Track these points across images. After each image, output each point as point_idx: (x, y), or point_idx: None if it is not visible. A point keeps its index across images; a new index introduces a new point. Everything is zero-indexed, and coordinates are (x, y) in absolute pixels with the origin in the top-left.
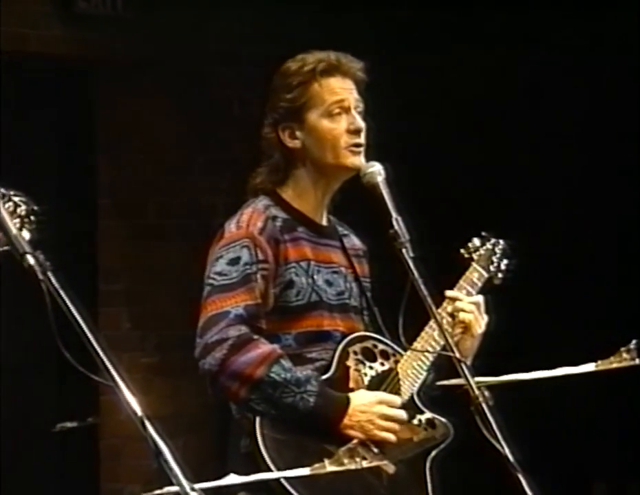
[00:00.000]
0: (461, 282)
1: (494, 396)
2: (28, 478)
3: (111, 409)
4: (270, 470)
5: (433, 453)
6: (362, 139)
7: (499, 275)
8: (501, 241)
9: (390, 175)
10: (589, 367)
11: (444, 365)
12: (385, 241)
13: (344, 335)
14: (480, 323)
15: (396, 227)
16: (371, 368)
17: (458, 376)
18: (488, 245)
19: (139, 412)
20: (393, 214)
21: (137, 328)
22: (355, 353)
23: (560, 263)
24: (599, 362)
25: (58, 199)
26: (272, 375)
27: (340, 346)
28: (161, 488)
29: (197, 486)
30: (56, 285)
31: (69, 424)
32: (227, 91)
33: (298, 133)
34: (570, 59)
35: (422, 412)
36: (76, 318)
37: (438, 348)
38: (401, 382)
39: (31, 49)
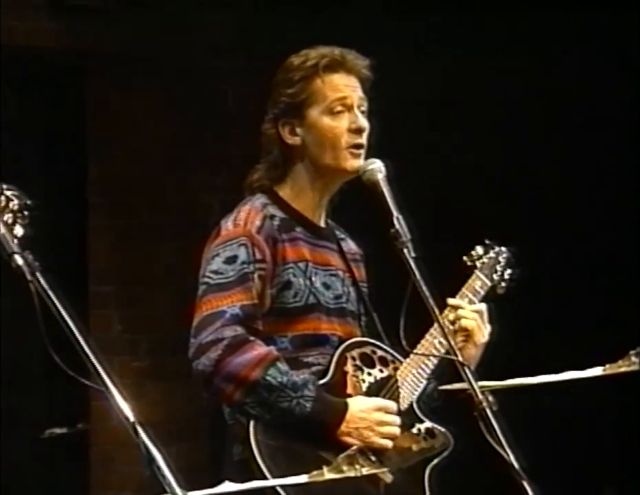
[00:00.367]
0: (463, 289)
1: (498, 401)
2: (16, 486)
3: (102, 415)
4: (264, 477)
5: (433, 463)
6: (363, 139)
7: (503, 284)
8: (505, 250)
9: (391, 172)
10: (596, 371)
11: (445, 374)
12: (384, 243)
13: (341, 340)
14: (483, 332)
15: (397, 226)
16: (369, 374)
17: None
18: (492, 254)
19: (131, 418)
20: (394, 213)
21: (129, 331)
22: (353, 358)
23: (566, 265)
24: (607, 366)
25: (46, 196)
26: (268, 377)
27: (338, 351)
28: None
29: (190, 494)
30: (45, 286)
31: (58, 430)
32: (221, 85)
33: (298, 130)
34: (580, 62)
35: (421, 421)
36: (66, 320)
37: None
38: (400, 390)
39: (19, 42)
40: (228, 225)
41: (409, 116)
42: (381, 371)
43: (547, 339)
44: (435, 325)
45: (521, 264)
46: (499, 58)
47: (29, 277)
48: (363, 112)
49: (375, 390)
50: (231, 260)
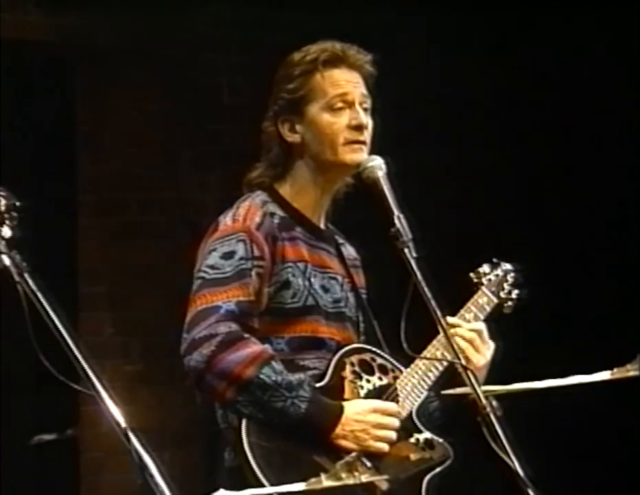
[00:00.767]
0: (469, 304)
1: (503, 406)
2: (3, 494)
3: (93, 420)
4: (257, 479)
5: (430, 475)
6: (364, 136)
7: (510, 303)
8: (512, 268)
9: (392, 170)
10: (604, 375)
11: (446, 386)
12: (384, 248)
13: (340, 345)
14: (483, 352)
15: (398, 225)
16: (368, 381)
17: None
18: (499, 272)
19: (122, 424)
20: (395, 212)
21: (120, 334)
22: (352, 364)
23: (573, 267)
24: (615, 370)
25: (34, 194)
26: (262, 376)
27: (337, 356)
28: None
29: None
30: (34, 288)
31: (46, 436)
32: (216, 79)
33: (298, 127)
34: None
35: (420, 432)
36: (55, 323)
37: (441, 368)
38: (400, 398)
39: (5, 34)
40: (226, 220)
41: (416, 113)
42: (380, 379)
43: (552, 342)
44: (438, 337)
45: (529, 279)
46: (511, 61)
47: (17, 278)
48: (365, 109)
49: (373, 397)
50: (229, 255)
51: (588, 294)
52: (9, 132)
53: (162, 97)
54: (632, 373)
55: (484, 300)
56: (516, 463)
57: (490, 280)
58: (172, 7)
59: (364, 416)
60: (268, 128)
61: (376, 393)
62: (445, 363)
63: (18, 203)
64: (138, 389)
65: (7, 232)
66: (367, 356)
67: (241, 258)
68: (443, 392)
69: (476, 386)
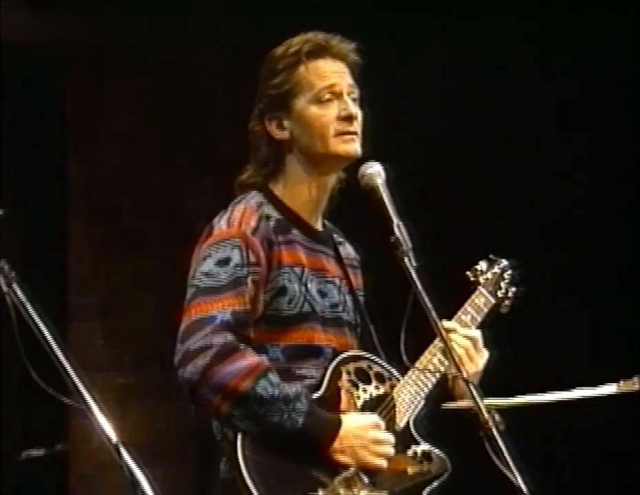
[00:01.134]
0: (466, 306)
1: (505, 420)
2: None
3: (83, 435)
4: (251, 494)
5: (428, 489)
6: (355, 127)
7: (507, 302)
8: (509, 265)
9: (391, 177)
10: (610, 389)
11: (440, 396)
12: (384, 250)
13: (336, 352)
14: (476, 361)
15: (397, 234)
16: (365, 391)
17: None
18: (496, 269)
19: (113, 439)
20: (395, 220)
21: (111, 346)
22: (348, 373)
23: (576, 278)
24: (621, 383)
25: (23, 201)
26: (259, 389)
27: (333, 365)
28: None
29: None
30: (22, 298)
31: (36, 452)
32: (211, 82)
33: (286, 123)
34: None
35: (417, 443)
36: (44, 334)
37: (438, 375)
38: (397, 409)
39: None
40: (221, 224)
41: (414, 118)
42: (377, 388)
43: (556, 355)
44: (435, 342)
45: (526, 280)
46: (505, 62)
47: (4, 288)
48: (354, 99)
49: (370, 407)
50: (224, 262)
51: (592, 306)
52: None
53: (155, 101)
54: (639, 386)
55: (481, 300)
56: (519, 478)
57: (487, 278)
58: (165, 9)
59: (363, 432)
60: (254, 127)
61: (373, 403)
62: (443, 369)
63: (1, 212)
64: (130, 403)
65: None
66: (363, 364)
67: (237, 265)
68: (444, 405)
69: (478, 399)
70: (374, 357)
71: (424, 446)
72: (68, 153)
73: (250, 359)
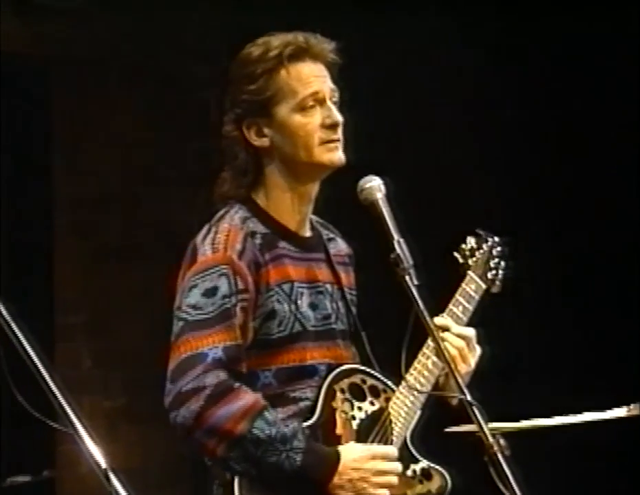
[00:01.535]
0: (457, 296)
1: (511, 444)
2: None
3: (70, 461)
4: None
5: None
6: (339, 134)
7: (497, 282)
8: (498, 241)
9: (391, 191)
10: (620, 412)
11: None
12: (378, 248)
13: (330, 368)
14: (469, 360)
15: (398, 251)
16: (360, 409)
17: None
18: (485, 247)
19: (102, 464)
20: (395, 236)
21: (99, 367)
22: (342, 391)
23: (585, 297)
24: (632, 406)
25: (7, 214)
26: (255, 430)
27: (326, 384)
28: None
29: None
30: (7, 317)
31: (20, 478)
32: (203, 93)
33: (266, 130)
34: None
35: (416, 461)
36: (30, 355)
37: (433, 379)
38: (393, 425)
39: None
40: (205, 249)
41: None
42: (372, 404)
43: (565, 377)
44: (427, 342)
45: (515, 254)
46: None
47: None
48: (335, 103)
49: (366, 427)
50: (211, 292)
51: (600, 328)
52: None
53: (145, 112)
54: None
55: (471, 287)
56: None
57: (477, 260)
58: (155, 17)
59: (362, 464)
60: (231, 133)
61: (369, 422)
62: (437, 371)
63: None
64: (119, 426)
65: None
66: (357, 378)
67: (225, 296)
68: (447, 430)
69: (483, 423)
70: (366, 369)
71: (422, 464)
72: (55, 165)
73: (245, 398)
